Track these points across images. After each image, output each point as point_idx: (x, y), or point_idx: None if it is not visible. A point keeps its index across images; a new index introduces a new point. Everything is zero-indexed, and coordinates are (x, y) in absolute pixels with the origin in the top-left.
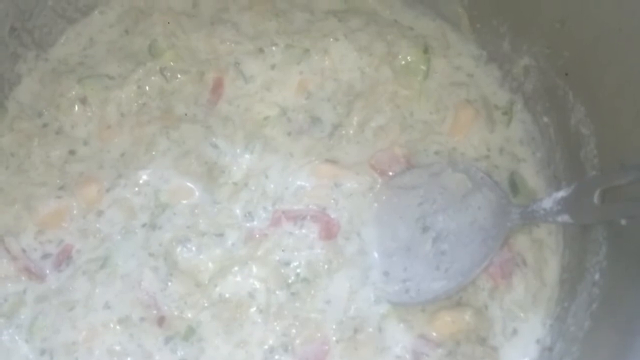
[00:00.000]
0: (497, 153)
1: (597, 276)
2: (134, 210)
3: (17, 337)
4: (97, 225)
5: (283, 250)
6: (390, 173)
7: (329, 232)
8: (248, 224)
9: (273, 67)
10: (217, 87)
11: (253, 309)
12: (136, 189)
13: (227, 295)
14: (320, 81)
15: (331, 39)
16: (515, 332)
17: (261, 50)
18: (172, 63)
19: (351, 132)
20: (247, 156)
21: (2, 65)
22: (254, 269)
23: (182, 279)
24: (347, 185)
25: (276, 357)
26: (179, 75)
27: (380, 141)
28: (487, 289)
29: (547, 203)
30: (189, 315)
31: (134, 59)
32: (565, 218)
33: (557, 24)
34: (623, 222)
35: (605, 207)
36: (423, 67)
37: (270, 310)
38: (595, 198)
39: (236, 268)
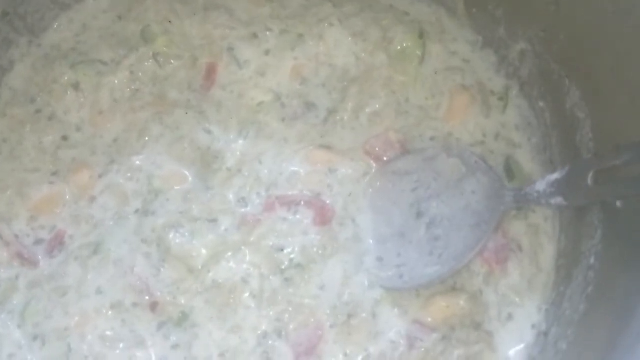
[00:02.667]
0: (492, 139)
1: (592, 260)
2: (126, 196)
3: (9, 323)
4: (90, 211)
5: (277, 236)
6: (385, 159)
7: (324, 217)
8: (242, 210)
9: (267, 52)
10: (211, 73)
11: (246, 295)
12: (129, 174)
13: (220, 281)
14: (315, 67)
15: (326, 25)
16: (510, 317)
17: (255, 36)
18: (165, 49)
19: (346, 117)
20: (240, 142)
21: None
22: (248, 255)
23: (175, 264)
24: (342, 171)
25: (270, 342)
26: (172, 61)
27: (375, 127)
28: (482, 274)
29: (541, 185)
30: (182, 300)
31: (127, 44)
32: (559, 200)
33: (552, 6)
34: (618, 204)
35: (599, 188)
36: (418, 53)
37: (264, 295)
38: (589, 179)
39: (229, 254)
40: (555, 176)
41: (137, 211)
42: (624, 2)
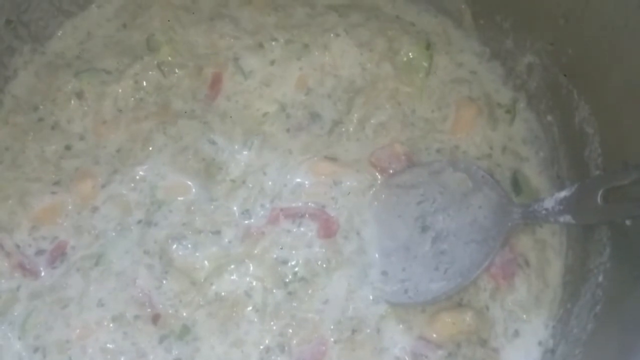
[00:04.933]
0: (499, 152)
1: (600, 278)
2: (129, 206)
3: (9, 334)
4: (92, 221)
5: (281, 249)
6: (391, 171)
7: (328, 230)
8: (245, 222)
9: (272, 62)
10: (216, 83)
11: (249, 308)
12: (132, 185)
13: (223, 294)
14: (320, 77)
15: (332, 35)
16: (517, 333)
17: (261, 46)
18: (169, 58)
19: (351, 129)
20: (245, 153)
21: None
22: (251, 268)
23: (177, 276)
24: (347, 183)
25: (272, 357)
26: (176, 70)
27: (380, 138)
28: (488, 289)
29: (549, 203)
30: (184, 313)
31: (132, 53)
32: (567, 218)
33: (561, 19)
34: (628, 222)
35: (608, 207)
36: (425, 64)
37: (267, 309)
38: (598, 198)
39: (232, 266)
40: (564, 194)
41: (139, 222)
42: (634, 17)
